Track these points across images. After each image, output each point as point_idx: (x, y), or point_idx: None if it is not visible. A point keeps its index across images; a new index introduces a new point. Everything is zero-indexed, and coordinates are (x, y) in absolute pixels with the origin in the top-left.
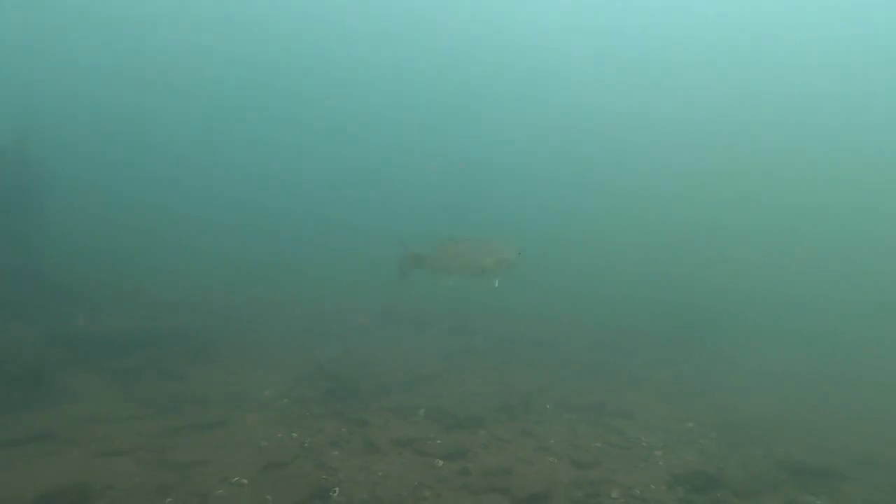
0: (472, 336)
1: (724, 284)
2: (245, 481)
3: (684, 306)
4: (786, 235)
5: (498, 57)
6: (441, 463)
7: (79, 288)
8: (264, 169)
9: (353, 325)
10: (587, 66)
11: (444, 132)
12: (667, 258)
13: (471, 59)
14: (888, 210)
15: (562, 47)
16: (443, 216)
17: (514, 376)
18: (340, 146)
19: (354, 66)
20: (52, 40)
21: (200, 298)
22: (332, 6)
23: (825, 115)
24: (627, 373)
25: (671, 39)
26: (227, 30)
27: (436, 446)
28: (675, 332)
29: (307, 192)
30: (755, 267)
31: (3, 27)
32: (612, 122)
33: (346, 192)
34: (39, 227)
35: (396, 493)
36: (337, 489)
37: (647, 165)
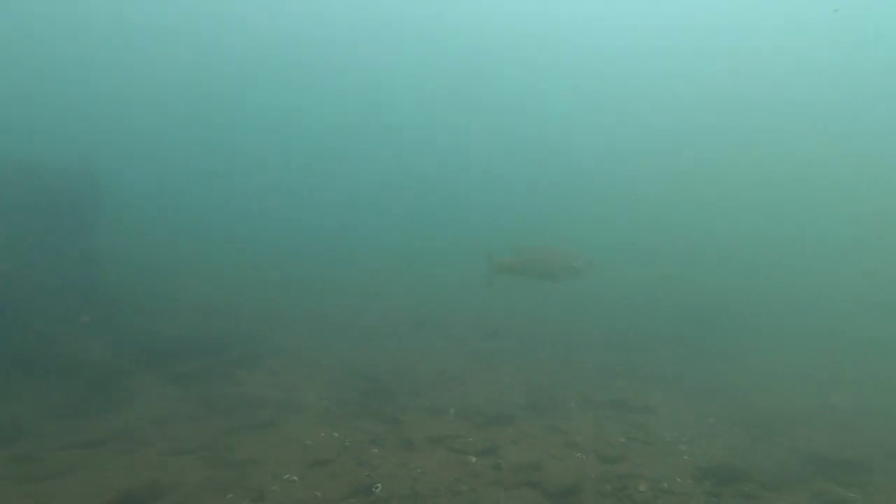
0: (493, 338)
1: (735, 284)
2: (295, 478)
3: (695, 306)
4: (796, 234)
5: (510, 56)
6: (474, 459)
7: (134, 300)
8: (286, 182)
9: (382, 329)
10: (595, 68)
11: (445, 135)
12: (676, 259)
13: (478, 61)
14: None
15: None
16: (447, 222)
17: (538, 375)
18: (362, 161)
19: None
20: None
21: (240, 307)
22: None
23: (831, 117)
24: (645, 371)
25: (690, 47)
26: (255, 50)
27: (468, 443)
28: (687, 332)
29: (328, 203)
30: (766, 266)
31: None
32: (615, 124)
33: (368, 203)
34: (99, 243)
35: (434, 488)
36: (379, 485)
37: (653, 169)
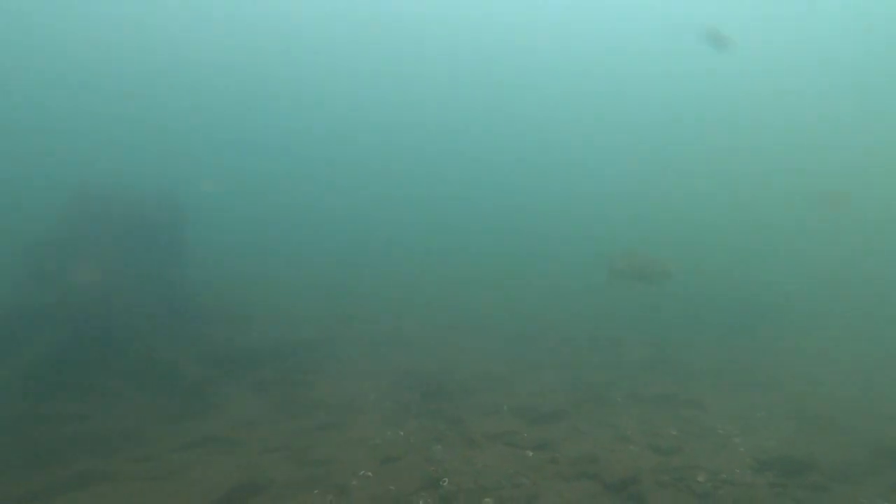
0: (533, 339)
1: (775, 277)
2: (370, 474)
3: (733, 300)
4: (839, 223)
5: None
6: (531, 453)
7: (213, 315)
8: (335, 197)
9: (431, 334)
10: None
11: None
12: (714, 253)
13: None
14: None
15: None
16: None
17: (581, 373)
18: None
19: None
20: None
21: (301, 318)
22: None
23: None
24: (688, 366)
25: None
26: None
27: (524, 439)
28: (728, 326)
29: (377, 215)
30: (808, 256)
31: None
32: (653, 122)
33: (405, 209)
34: (183, 266)
35: (497, 481)
36: (446, 479)
37: (687, 161)
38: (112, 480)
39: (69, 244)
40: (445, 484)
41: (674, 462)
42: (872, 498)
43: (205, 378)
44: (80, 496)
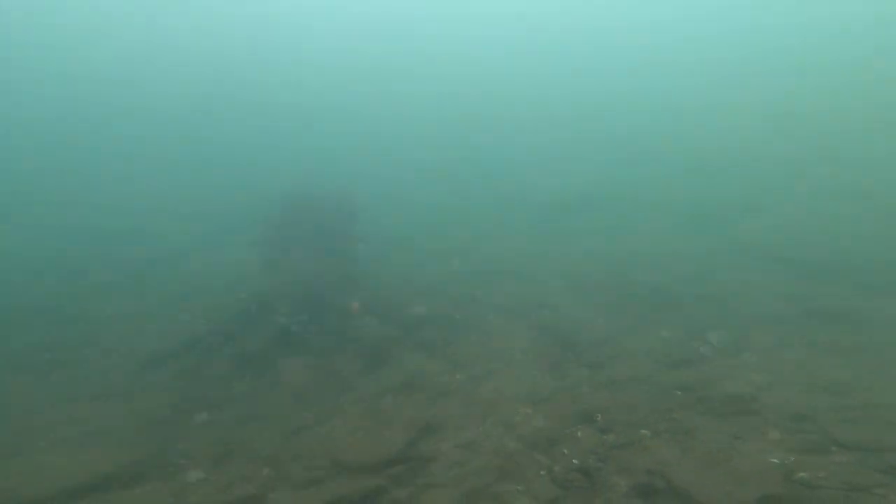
0: (664, 293)
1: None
2: (529, 410)
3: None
4: None
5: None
6: (679, 393)
7: (379, 284)
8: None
9: (560, 297)
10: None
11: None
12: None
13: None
14: None
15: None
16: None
17: (713, 327)
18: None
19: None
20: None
21: (445, 289)
22: None
23: None
24: (836, 312)
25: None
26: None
27: (668, 380)
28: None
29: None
30: None
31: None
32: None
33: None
34: (356, 247)
35: (648, 416)
36: (599, 414)
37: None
38: (338, 418)
39: (284, 236)
40: (599, 419)
41: (855, 400)
42: None
43: (383, 338)
44: (321, 430)
